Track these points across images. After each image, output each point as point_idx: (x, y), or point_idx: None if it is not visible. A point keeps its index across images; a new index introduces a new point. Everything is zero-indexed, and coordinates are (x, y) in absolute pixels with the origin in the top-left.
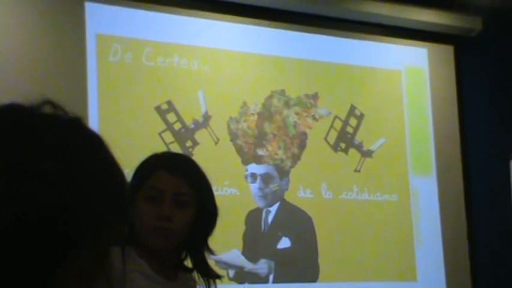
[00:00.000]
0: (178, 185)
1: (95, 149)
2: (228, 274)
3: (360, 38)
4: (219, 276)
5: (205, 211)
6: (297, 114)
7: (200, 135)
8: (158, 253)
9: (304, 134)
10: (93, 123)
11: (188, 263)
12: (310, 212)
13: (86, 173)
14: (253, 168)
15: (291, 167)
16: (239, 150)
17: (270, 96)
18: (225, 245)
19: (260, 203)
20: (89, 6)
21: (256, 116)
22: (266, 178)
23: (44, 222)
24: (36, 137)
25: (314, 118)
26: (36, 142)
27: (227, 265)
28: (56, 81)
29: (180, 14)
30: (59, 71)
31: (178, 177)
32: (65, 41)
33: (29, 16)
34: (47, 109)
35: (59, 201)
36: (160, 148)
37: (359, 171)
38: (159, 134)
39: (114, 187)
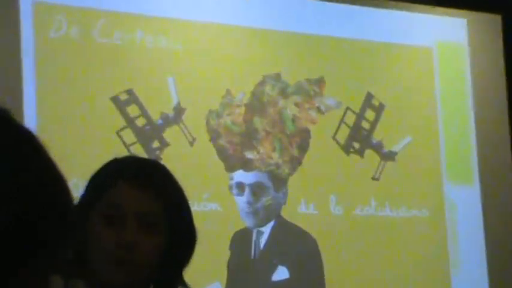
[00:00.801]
0: (144, 202)
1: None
2: None
3: (378, 7)
4: None
5: (179, 236)
6: (296, 105)
7: (170, 134)
8: None
9: (307, 132)
10: (30, 119)
11: None
12: (314, 233)
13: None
14: (240, 176)
15: (290, 174)
16: (221, 152)
17: (262, 83)
18: (204, 277)
19: (249, 222)
20: None
21: (243, 109)
22: (257, 189)
23: (44, 222)
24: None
25: (319, 110)
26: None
27: None
28: None
29: None
30: None
31: (144, 191)
32: None
33: None
34: None
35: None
36: (119, 151)
37: (378, 179)
38: (117, 132)
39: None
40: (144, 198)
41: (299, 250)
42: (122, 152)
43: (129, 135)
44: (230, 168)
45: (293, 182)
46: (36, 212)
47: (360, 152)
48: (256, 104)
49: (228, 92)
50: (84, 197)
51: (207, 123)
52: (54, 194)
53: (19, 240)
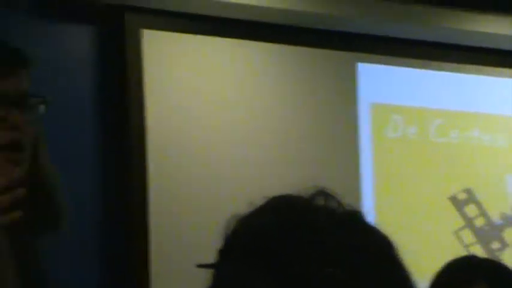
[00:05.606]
0: None
1: (383, 250)
2: None
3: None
4: None
5: None
6: None
7: (510, 234)
8: None
9: None
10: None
11: None
12: None
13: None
14: None
15: None
16: None
17: None
18: None
19: None
20: (362, 68)
21: None
22: None
23: None
24: (317, 240)
25: None
26: (317, 245)
27: None
28: (323, 159)
29: (478, 73)
30: (325, 147)
31: None
32: (332, 111)
33: (288, 80)
34: (320, 200)
35: None
36: (457, 251)
37: None
38: (456, 232)
39: None
40: None
41: None
42: (461, 253)
43: (468, 235)
44: None
45: None
46: None
47: None
48: None
49: None
50: None
51: None
52: None
53: None
